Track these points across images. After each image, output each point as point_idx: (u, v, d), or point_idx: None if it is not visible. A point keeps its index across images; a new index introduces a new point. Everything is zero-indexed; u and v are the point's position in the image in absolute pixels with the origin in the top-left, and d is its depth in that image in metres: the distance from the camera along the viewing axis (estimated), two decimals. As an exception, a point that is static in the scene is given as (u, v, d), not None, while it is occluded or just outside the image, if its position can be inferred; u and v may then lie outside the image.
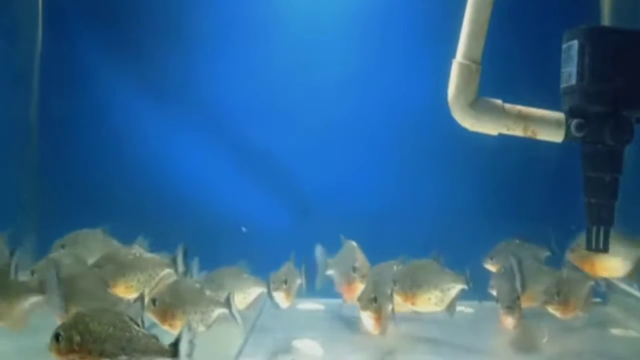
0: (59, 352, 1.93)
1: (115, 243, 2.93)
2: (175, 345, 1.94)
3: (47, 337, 1.95)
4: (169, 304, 2.45)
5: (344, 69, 3.59)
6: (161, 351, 1.94)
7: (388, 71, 3.60)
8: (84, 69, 3.66)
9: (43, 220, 3.62)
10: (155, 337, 1.96)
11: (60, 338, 1.92)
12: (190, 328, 2.00)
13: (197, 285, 2.56)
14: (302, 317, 3.06)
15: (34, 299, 2.43)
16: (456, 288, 2.72)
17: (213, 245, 3.30)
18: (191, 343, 1.96)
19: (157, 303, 2.46)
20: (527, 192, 3.51)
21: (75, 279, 2.47)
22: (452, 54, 2.06)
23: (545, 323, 2.85)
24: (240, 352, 2.57)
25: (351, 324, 2.71)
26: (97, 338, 1.91)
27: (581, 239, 2.45)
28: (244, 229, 3.52)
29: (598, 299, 3.16)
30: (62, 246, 2.89)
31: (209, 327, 2.48)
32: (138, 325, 1.97)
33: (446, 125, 2.12)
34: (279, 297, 2.78)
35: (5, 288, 2.43)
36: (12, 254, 2.56)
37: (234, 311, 2.51)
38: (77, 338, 1.91)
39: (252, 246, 3.36)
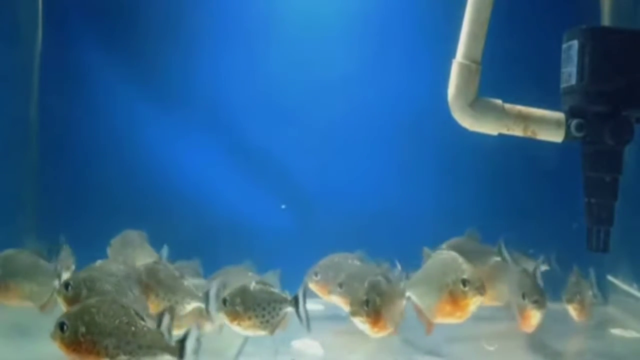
0: (63, 341, 1.88)
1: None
2: (181, 342, 1.90)
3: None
4: (144, 284, 2.39)
5: (344, 69, 3.59)
6: (167, 348, 1.90)
7: (388, 71, 3.60)
8: (84, 69, 3.65)
9: (43, 220, 3.62)
10: (161, 333, 1.92)
11: (64, 327, 1.87)
12: (198, 327, 1.97)
13: (177, 274, 2.50)
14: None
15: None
16: None
17: (213, 244, 3.30)
18: (198, 341, 1.92)
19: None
20: (527, 191, 3.51)
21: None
22: (452, 54, 2.06)
23: (546, 324, 2.85)
24: (240, 352, 2.56)
25: (351, 324, 2.69)
26: (103, 330, 1.86)
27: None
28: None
29: (596, 299, 3.16)
30: None
31: (181, 318, 2.39)
32: (144, 320, 1.93)
33: (446, 125, 2.12)
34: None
35: None
36: None
37: (211, 308, 2.42)
38: (83, 329, 1.86)
39: (252, 246, 3.36)
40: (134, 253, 2.98)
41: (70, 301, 2.30)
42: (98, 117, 3.66)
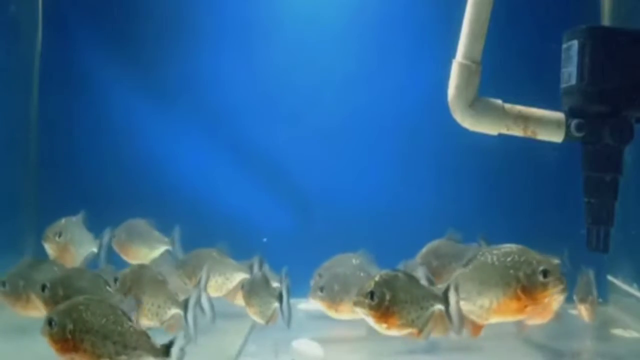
0: (52, 337, 1.91)
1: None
2: (168, 346, 1.91)
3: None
4: (128, 288, 2.41)
5: (345, 69, 3.59)
6: (153, 350, 1.91)
7: (388, 71, 3.59)
8: (84, 69, 3.65)
9: (43, 220, 3.60)
10: (147, 335, 1.93)
11: (53, 323, 1.90)
12: (187, 334, 1.97)
13: (160, 278, 2.49)
14: (302, 317, 3.06)
15: None
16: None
17: (213, 245, 3.30)
18: (182, 351, 1.92)
19: (117, 283, 2.42)
20: (529, 192, 3.51)
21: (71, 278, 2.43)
22: (452, 54, 2.06)
23: (545, 323, 2.85)
24: (240, 352, 2.57)
25: (351, 324, 2.70)
26: (90, 328, 1.89)
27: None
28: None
29: (599, 299, 3.16)
30: None
31: (163, 323, 2.40)
32: (130, 321, 1.94)
33: (446, 125, 2.12)
34: None
35: None
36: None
37: (189, 316, 2.37)
38: (70, 326, 1.89)
39: (252, 246, 3.35)
40: (142, 242, 3.12)
41: (48, 302, 2.33)
42: (98, 116, 3.66)
